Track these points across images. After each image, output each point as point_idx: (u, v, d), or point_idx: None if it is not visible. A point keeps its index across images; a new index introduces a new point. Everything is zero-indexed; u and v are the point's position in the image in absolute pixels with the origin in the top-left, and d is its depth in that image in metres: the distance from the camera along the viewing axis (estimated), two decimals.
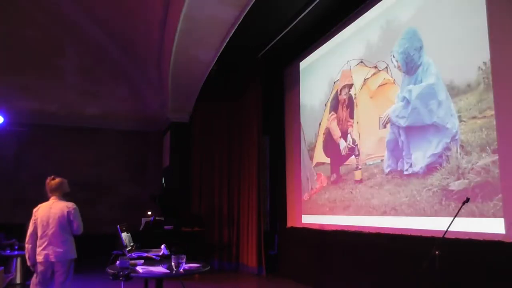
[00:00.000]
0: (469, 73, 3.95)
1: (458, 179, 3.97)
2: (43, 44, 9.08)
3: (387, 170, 5.04)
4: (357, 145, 5.72)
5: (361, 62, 5.72)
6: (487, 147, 3.71)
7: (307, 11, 6.18)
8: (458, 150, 4.00)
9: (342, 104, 6.16)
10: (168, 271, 3.09)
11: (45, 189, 4.05)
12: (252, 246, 7.73)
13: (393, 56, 5.03)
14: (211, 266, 3.67)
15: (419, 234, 4.36)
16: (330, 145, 6.43)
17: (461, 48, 4.08)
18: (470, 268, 3.72)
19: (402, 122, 4.80)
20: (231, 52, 6.76)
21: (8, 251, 6.07)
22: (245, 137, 8.36)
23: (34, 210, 3.99)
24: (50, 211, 3.98)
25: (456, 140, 4.04)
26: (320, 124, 6.76)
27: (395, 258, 4.71)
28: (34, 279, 3.93)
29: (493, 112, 3.69)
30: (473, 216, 3.77)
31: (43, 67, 9.12)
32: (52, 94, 9.23)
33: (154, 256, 3.84)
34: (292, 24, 6.61)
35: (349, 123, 5.94)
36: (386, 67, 5.17)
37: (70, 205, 4.09)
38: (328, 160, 6.46)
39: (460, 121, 4.02)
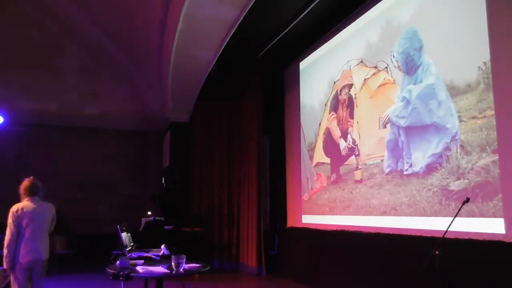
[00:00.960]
0: (469, 73, 3.95)
1: (458, 179, 3.97)
2: (43, 44, 9.08)
3: (387, 170, 5.04)
4: (357, 145, 5.72)
5: (361, 62, 5.72)
6: (487, 147, 3.71)
7: (307, 11, 6.18)
8: (458, 150, 4.00)
9: (342, 104, 6.16)
10: (168, 271, 3.09)
11: (24, 189, 4.07)
12: (252, 246, 7.74)
13: (393, 56, 5.03)
14: (211, 266, 3.67)
15: (419, 234, 4.36)
16: (330, 145, 6.43)
17: (461, 48, 4.08)
18: (470, 268, 3.72)
19: (402, 122, 4.80)
20: (231, 52, 6.76)
21: None
22: (245, 137, 8.36)
23: (14, 210, 3.90)
24: (37, 211, 3.98)
25: (456, 140, 4.04)
26: (320, 124, 6.76)
27: (395, 258, 4.71)
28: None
29: (493, 112, 3.69)
30: (473, 216, 3.77)
31: (43, 67, 9.12)
32: (52, 94, 9.23)
33: (154, 256, 3.84)
34: (292, 24, 6.61)
35: (349, 123, 5.94)
36: (386, 67, 5.17)
37: (52, 205, 4.21)
38: (328, 160, 6.46)
39: (460, 121, 4.02)
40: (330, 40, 6.53)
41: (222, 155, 8.63)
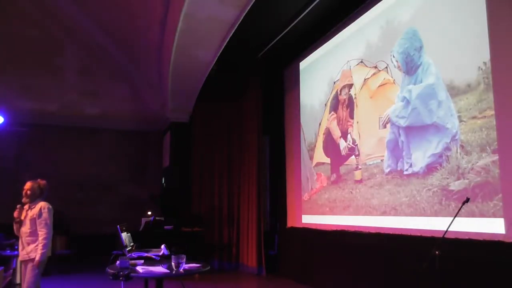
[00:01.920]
0: (469, 73, 3.95)
1: (458, 179, 3.97)
2: (43, 44, 9.08)
3: (387, 170, 5.04)
4: (357, 145, 5.72)
5: (361, 62, 5.72)
6: (487, 147, 3.71)
7: (307, 11, 6.18)
8: (458, 150, 4.00)
9: (342, 104, 6.16)
10: (168, 271, 3.09)
11: (44, 191, 4.21)
12: (252, 246, 7.74)
13: (393, 56, 5.03)
14: (211, 266, 3.67)
15: (419, 234, 4.36)
16: (330, 145, 6.43)
17: (461, 48, 4.08)
18: (470, 268, 3.72)
19: (402, 122, 4.80)
20: (231, 52, 6.76)
21: (8, 251, 6.06)
22: (245, 137, 8.36)
23: (51, 207, 4.14)
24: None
25: (456, 140, 4.04)
26: (320, 124, 6.76)
27: (395, 258, 4.71)
28: (34, 278, 3.95)
29: (493, 112, 3.69)
30: (473, 216, 3.77)
31: (43, 67, 9.12)
32: (52, 94, 9.23)
33: (154, 256, 3.84)
34: (292, 24, 6.61)
35: (349, 123, 5.94)
36: (386, 67, 5.17)
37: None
38: (328, 160, 6.46)
39: (460, 121, 4.02)
40: (330, 40, 6.53)
41: (222, 155, 8.63)
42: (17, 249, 4.22)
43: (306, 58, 7.30)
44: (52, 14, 8.98)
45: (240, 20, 5.54)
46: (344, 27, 6.14)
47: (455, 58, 4.13)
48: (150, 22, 7.00)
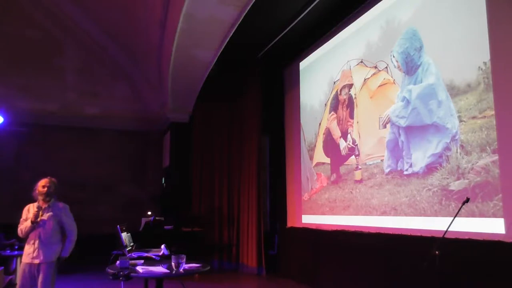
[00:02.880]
0: (469, 73, 3.95)
1: (458, 179, 3.97)
2: (43, 44, 9.08)
3: (387, 170, 5.04)
4: (357, 145, 5.72)
5: (361, 62, 5.72)
6: (487, 147, 3.71)
7: (307, 11, 6.18)
8: (458, 150, 4.00)
9: (342, 104, 6.16)
10: (168, 271, 3.09)
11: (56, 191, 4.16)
12: (252, 246, 7.74)
13: (393, 56, 5.03)
14: (211, 266, 3.66)
15: (419, 234, 4.36)
16: (330, 145, 6.43)
17: (461, 48, 4.08)
18: (470, 268, 3.72)
19: (402, 122, 4.80)
20: (231, 52, 6.76)
21: (8, 251, 6.06)
22: (245, 137, 8.36)
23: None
24: None
25: (456, 140, 4.04)
26: (320, 124, 6.76)
27: (395, 258, 4.71)
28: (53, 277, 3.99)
29: (493, 112, 3.69)
30: (473, 216, 3.77)
31: (43, 67, 9.11)
32: (52, 94, 9.22)
33: (154, 256, 3.84)
34: (292, 24, 6.61)
35: (349, 123, 5.94)
36: (386, 67, 5.17)
37: None
38: (328, 160, 6.46)
39: (460, 121, 4.02)
40: (330, 40, 6.53)
41: (222, 155, 8.63)
42: (17, 249, 4.17)
43: (306, 58, 7.30)
44: (52, 14, 8.98)
45: (240, 20, 5.54)
46: (344, 27, 6.14)
47: (455, 58, 4.13)
48: (150, 22, 7.00)
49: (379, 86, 5.33)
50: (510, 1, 3.65)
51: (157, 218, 7.44)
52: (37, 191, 3.98)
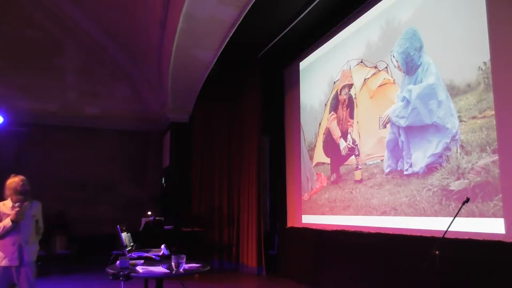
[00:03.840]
0: (469, 73, 3.95)
1: (458, 179, 3.97)
2: (43, 44, 9.08)
3: (387, 170, 5.04)
4: (357, 145, 5.72)
5: (361, 62, 5.72)
6: (487, 147, 3.71)
7: (307, 11, 6.18)
8: (458, 150, 4.00)
9: (342, 104, 6.16)
10: (168, 271, 3.09)
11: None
12: (252, 246, 7.73)
13: (393, 56, 5.03)
14: (211, 266, 3.66)
15: (419, 234, 4.36)
16: (330, 145, 6.43)
17: (461, 48, 4.08)
18: (470, 268, 3.72)
19: (402, 122, 4.80)
20: (231, 52, 6.76)
21: None
22: (245, 137, 8.36)
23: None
24: None
25: (456, 140, 4.04)
26: (320, 124, 6.76)
27: (395, 258, 4.71)
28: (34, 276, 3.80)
29: (493, 112, 3.69)
30: (473, 216, 3.77)
31: (43, 67, 9.11)
32: (52, 94, 9.22)
33: (154, 256, 3.84)
34: (292, 24, 6.61)
35: (349, 123, 5.94)
36: (386, 67, 5.17)
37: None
38: (328, 160, 6.46)
39: (460, 121, 4.02)
40: (330, 40, 6.53)
41: (222, 155, 8.63)
42: None
43: (306, 58, 7.30)
44: (52, 14, 8.98)
45: (240, 20, 5.54)
46: (344, 27, 6.14)
47: (455, 58, 4.13)
48: (150, 22, 7.00)
49: (379, 86, 5.33)
50: (510, 1, 3.65)
51: (157, 218, 7.44)
52: (13, 189, 3.70)
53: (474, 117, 3.88)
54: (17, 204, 3.64)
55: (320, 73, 6.82)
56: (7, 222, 3.58)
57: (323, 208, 6.45)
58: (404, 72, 4.85)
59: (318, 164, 6.76)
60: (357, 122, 5.74)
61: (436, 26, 4.43)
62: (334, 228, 6.03)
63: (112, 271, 3.08)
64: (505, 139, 3.57)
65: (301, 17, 6.36)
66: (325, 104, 6.63)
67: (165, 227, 7.37)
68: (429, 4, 4.58)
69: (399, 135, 4.85)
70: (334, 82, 6.39)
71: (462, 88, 4.03)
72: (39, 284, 3.95)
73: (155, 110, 9.77)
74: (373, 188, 5.26)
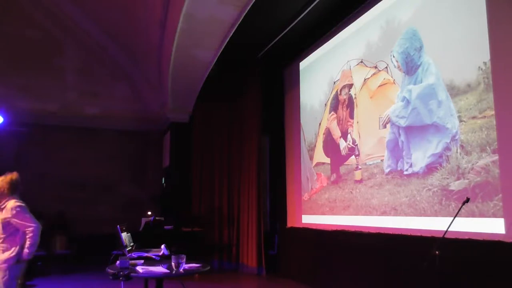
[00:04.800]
0: (469, 73, 3.95)
1: (458, 179, 3.97)
2: (43, 44, 9.08)
3: (387, 170, 5.04)
4: (357, 145, 5.72)
5: (361, 62, 5.72)
6: (487, 147, 3.71)
7: (307, 11, 6.18)
8: (458, 150, 4.00)
9: (342, 104, 6.16)
10: (168, 271, 3.09)
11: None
12: (252, 246, 7.73)
13: (393, 56, 5.03)
14: (211, 266, 3.66)
15: (419, 234, 4.36)
16: (330, 145, 6.43)
17: (461, 48, 4.08)
18: (470, 268, 3.72)
19: (402, 122, 4.80)
20: (231, 52, 6.76)
21: None
22: (245, 137, 8.36)
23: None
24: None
25: (456, 140, 4.04)
26: (320, 124, 6.76)
27: (395, 258, 4.71)
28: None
29: (493, 112, 3.69)
30: (473, 216, 3.77)
31: (43, 67, 9.12)
32: (52, 94, 9.23)
33: (154, 256, 3.84)
34: (292, 24, 6.61)
35: (349, 123, 5.94)
36: (386, 67, 5.17)
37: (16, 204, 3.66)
38: (328, 160, 6.46)
39: (460, 121, 4.02)
40: (330, 40, 6.53)
41: (222, 155, 8.63)
42: None
43: (306, 58, 7.30)
44: (52, 14, 8.98)
45: (240, 20, 5.54)
46: (344, 27, 6.14)
47: (455, 58, 4.13)
48: (150, 22, 7.00)
49: (379, 86, 5.33)
50: (510, 1, 3.65)
51: (157, 218, 7.44)
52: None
53: (474, 117, 3.88)
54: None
55: (320, 73, 6.82)
56: None
57: (323, 208, 6.45)
58: (404, 72, 4.85)
59: (318, 164, 6.76)
60: (357, 122, 5.74)
61: (436, 26, 4.43)
62: (334, 228, 6.03)
63: (112, 271, 3.08)
64: (505, 139, 3.57)
65: (301, 17, 6.36)
66: (325, 104, 6.63)
67: (165, 227, 7.37)
68: (429, 4, 4.58)
69: (399, 135, 4.85)
70: (334, 82, 6.39)
71: (462, 88, 4.03)
72: (39, 284, 3.93)
73: (155, 110, 9.78)
74: (373, 188, 5.26)
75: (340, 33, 6.24)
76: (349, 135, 5.93)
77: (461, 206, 3.40)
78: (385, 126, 5.13)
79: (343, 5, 6.05)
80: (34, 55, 9.00)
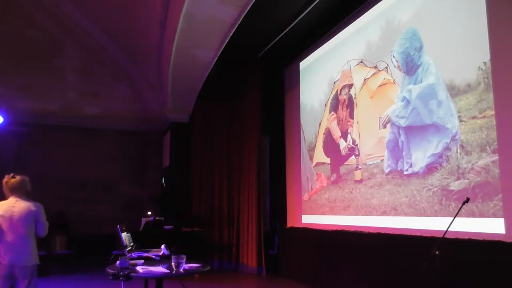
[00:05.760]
0: (469, 73, 3.95)
1: (458, 179, 3.97)
2: (43, 44, 9.08)
3: (387, 170, 5.04)
4: (357, 145, 5.72)
5: (361, 62, 5.72)
6: (487, 147, 3.71)
7: (307, 11, 6.18)
8: (458, 150, 4.00)
9: (342, 104, 6.16)
10: (168, 271, 3.09)
11: (2, 189, 3.71)
12: (252, 246, 7.73)
13: (393, 56, 5.03)
14: (211, 266, 3.66)
15: (419, 234, 4.36)
16: (330, 145, 6.43)
17: (461, 48, 4.08)
18: (470, 268, 3.72)
19: (402, 122, 4.80)
20: (231, 52, 6.76)
21: None
22: (245, 137, 8.36)
23: None
24: (13, 210, 3.59)
25: (456, 140, 4.04)
26: (320, 124, 6.76)
27: (395, 258, 4.71)
28: None
29: (493, 112, 3.69)
30: (473, 216, 3.77)
31: (43, 67, 9.11)
32: (52, 94, 9.22)
33: (154, 256, 3.84)
34: (292, 24, 6.61)
35: (349, 123, 5.94)
36: (386, 67, 5.17)
37: (37, 204, 3.73)
38: (328, 160, 6.46)
39: (460, 121, 4.02)
40: (330, 40, 6.53)
41: (222, 155, 8.63)
42: None
43: (306, 58, 7.30)
44: (52, 14, 8.98)
45: (240, 20, 5.54)
46: (344, 27, 6.14)
47: (455, 58, 4.13)
48: (150, 22, 7.00)
49: (379, 86, 5.33)
50: (510, 1, 3.65)
51: (157, 218, 7.44)
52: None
53: (474, 117, 3.88)
54: None
55: (320, 73, 6.82)
56: None
57: (323, 208, 6.45)
58: (404, 72, 4.85)
59: (318, 164, 6.76)
60: (357, 122, 5.75)
61: (436, 26, 4.43)
62: (334, 228, 6.03)
63: (112, 271, 3.08)
64: (505, 139, 3.57)
65: (301, 17, 6.36)
66: (325, 104, 6.63)
67: (165, 227, 7.37)
68: (429, 4, 4.58)
69: (399, 135, 4.85)
70: (334, 82, 6.39)
71: (462, 88, 4.03)
72: (39, 284, 3.93)
73: (155, 110, 9.78)
74: (373, 188, 5.27)
75: (340, 33, 6.24)
76: (349, 135, 5.93)
77: (461, 206, 3.40)
78: (385, 126, 5.13)
79: (343, 5, 6.05)
80: (34, 55, 9.00)
